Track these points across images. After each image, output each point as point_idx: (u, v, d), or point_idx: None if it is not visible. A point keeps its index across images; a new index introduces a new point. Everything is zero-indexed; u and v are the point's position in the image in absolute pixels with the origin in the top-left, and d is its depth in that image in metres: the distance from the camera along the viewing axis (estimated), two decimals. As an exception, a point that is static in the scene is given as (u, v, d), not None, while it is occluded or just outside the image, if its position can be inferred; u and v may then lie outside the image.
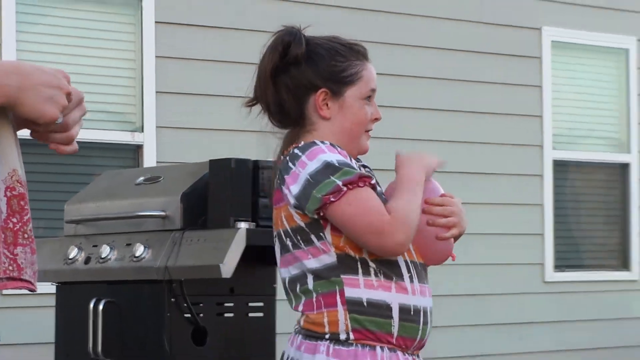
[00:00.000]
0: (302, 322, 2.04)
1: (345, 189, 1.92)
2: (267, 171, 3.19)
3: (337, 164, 1.94)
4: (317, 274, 1.99)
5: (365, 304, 1.99)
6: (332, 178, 1.92)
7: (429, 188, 2.05)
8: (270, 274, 3.39)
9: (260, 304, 3.37)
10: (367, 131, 2.07)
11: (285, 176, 1.93)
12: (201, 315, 3.21)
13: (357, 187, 1.94)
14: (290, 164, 1.95)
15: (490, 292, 5.70)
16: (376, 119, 2.06)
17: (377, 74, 2.09)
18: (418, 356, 2.10)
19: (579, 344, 6.11)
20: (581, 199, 6.28)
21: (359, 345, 2.01)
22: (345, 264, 1.98)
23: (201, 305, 3.25)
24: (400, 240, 1.93)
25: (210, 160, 3.20)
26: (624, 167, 6.17)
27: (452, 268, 4.12)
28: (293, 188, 1.93)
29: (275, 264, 3.34)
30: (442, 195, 2.08)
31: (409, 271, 2.03)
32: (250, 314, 3.43)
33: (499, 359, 5.83)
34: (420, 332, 2.05)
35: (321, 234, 1.96)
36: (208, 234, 3.05)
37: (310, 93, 2.01)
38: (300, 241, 1.97)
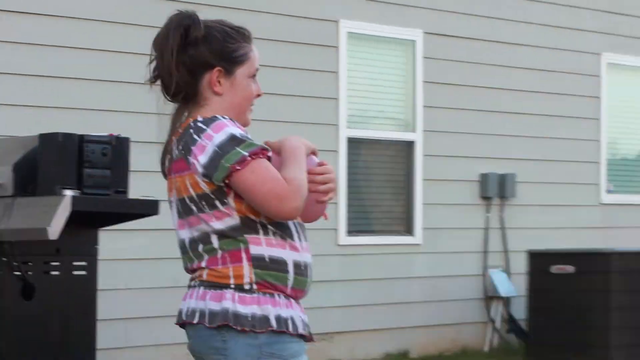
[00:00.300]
0: (205, 276, 2.12)
1: (249, 158, 2.02)
2: (93, 145, 3.42)
3: (240, 137, 2.04)
4: (222, 234, 2.08)
5: (267, 260, 2.12)
6: (237, 149, 2.01)
7: (309, 159, 2.19)
8: (93, 236, 3.60)
9: (84, 263, 3.58)
10: (251, 106, 2.19)
11: (192, 147, 2.00)
12: (30, 273, 3.38)
13: (259, 157, 2.05)
14: (195, 136, 2.01)
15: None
16: (258, 95, 2.17)
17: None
18: (300, 304, 2.20)
19: (367, 300, 6.69)
20: (371, 172, 6.73)
21: (260, 293, 2.12)
22: (248, 225, 2.08)
23: (30, 264, 3.43)
24: (297, 205, 2.05)
25: (40, 134, 3.37)
26: (410, 145, 6.78)
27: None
28: (201, 158, 2.00)
29: (98, 227, 3.76)
30: (321, 164, 2.20)
31: (297, 231, 2.16)
32: (75, 272, 3.59)
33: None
34: (307, 284, 2.19)
35: (225, 200, 2.04)
36: (37, 200, 3.19)
37: (206, 71, 2.10)
38: (205, 206, 2.04)
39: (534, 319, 6.99)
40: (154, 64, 2.14)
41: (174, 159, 2.08)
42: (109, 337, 4.75)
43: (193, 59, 2.10)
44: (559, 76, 7.68)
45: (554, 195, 7.64)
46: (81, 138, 3.43)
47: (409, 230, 6.98)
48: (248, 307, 2.17)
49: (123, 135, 3.75)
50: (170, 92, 2.10)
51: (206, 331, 2.22)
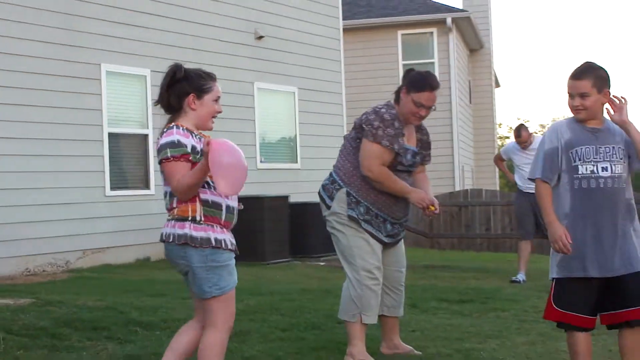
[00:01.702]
0: (175, 213, 3.27)
1: (170, 159, 3.18)
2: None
3: (176, 143, 3.17)
4: None
5: (210, 202, 3.26)
6: (167, 150, 3.17)
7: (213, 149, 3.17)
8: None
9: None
10: (213, 117, 3.31)
11: (159, 139, 3.18)
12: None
13: (177, 160, 3.22)
14: (160, 135, 3.20)
15: None
16: (219, 112, 3.31)
17: None
18: (229, 231, 3.39)
19: (125, 227, 10.26)
20: (122, 157, 10.60)
21: (206, 223, 3.30)
22: None
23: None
24: (179, 194, 3.26)
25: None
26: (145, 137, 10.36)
27: None
28: (158, 147, 3.24)
29: None
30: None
31: None
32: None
33: None
34: (233, 219, 3.32)
35: None
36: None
37: (187, 96, 3.28)
38: None
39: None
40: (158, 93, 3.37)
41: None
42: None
43: (179, 89, 3.29)
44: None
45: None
46: None
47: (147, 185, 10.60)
48: (199, 232, 3.34)
49: None
50: (164, 107, 3.31)
51: (175, 247, 3.38)
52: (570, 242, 4.09)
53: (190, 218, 3.44)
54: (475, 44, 22.10)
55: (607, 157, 4.28)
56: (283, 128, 14.07)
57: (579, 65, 4.39)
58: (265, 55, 13.06)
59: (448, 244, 15.01)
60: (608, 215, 4.17)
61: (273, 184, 12.78)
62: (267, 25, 13.29)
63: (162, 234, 3.55)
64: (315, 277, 9.93)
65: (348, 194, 4.84)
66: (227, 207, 3.55)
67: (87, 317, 6.71)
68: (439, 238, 15.41)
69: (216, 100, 3.50)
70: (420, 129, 5.25)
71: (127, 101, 11.07)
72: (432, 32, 18.78)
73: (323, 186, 5.06)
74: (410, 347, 5.26)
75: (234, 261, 3.63)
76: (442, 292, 8.36)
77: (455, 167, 18.86)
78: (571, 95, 4.25)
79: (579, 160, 4.26)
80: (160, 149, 3.36)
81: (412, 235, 14.90)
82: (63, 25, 10.15)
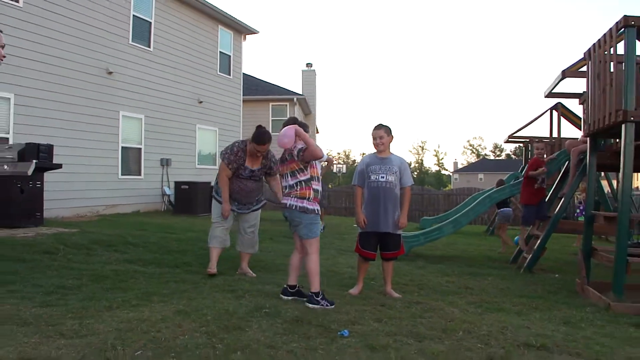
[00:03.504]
0: (298, 192, 4.74)
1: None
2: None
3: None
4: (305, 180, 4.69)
5: (314, 189, 4.85)
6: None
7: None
8: None
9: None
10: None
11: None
12: None
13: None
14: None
15: None
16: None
17: None
18: (318, 204, 4.84)
19: (82, 188, 12.98)
20: None
21: (313, 201, 4.88)
22: (312, 178, 4.70)
23: None
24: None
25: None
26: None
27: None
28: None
29: None
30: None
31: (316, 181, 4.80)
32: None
33: None
34: (319, 197, 4.73)
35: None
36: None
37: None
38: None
39: (179, 201, 15.51)
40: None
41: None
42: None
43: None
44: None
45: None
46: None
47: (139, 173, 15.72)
48: (310, 205, 4.87)
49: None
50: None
51: (297, 211, 4.87)
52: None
53: (307, 197, 4.83)
54: (307, 110, 31.85)
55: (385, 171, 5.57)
56: (210, 148, 18.83)
57: (376, 124, 5.55)
58: (202, 111, 18.39)
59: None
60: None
61: (204, 175, 17.65)
62: (204, 96, 18.40)
63: (286, 204, 4.83)
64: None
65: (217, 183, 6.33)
66: (315, 190, 4.93)
67: (106, 239, 8.16)
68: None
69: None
70: (266, 157, 6.14)
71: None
72: (286, 105, 27.25)
73: (216, 182, 6.23)
74: (250, 271, 6.57)
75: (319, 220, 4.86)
76: (285, 232, 11.19)
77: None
78: (374, 138, 5.53)
79: (371, 172, 5.65)
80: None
81: (271, 204, 20.57)
82: None
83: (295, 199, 4.90)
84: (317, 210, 5.01)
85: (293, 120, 5.23)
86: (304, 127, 5.27)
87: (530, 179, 9.40)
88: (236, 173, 5.91)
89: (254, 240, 6.40)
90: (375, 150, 5.58)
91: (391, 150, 5.58)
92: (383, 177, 5.34)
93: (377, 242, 5.65)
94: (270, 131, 23.88)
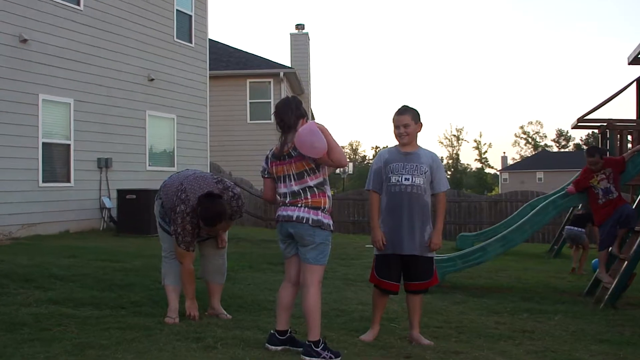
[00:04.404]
0: (310, 203, 4.91)
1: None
2: None
3: (267, 155, 5.26)
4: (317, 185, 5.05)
5: (329, 196, 5.13)
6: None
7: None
8: None
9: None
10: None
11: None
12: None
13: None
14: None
15: None
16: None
17: None
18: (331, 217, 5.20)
19: (52, 209, 14.76)
20: None
21: (327, 212, 5.10)
22: (325, 182, 5.13)
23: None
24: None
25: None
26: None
27: None
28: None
29: None
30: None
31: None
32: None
33: None
34: (331, 208, 5.02)
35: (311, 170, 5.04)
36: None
37: (300, 119, 5.06)
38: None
39: (124, 216, 15.44)
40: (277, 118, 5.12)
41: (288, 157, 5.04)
42: None
43: (296, 114, 5.09)
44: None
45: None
46: None
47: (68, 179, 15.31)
48: (326, 219, 4.93)
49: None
50: (284, 128, 5.12)
51: (309, 226, 4.87)
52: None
53: (321, 207, 5.05)
54: (298, 90, 31.63)
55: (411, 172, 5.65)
56: (166, 142, 18.79)
57: (398, 106, 5.65)
58: (154, 92, 18.54)
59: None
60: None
61: (158, 180, 15.22)
62: (156, 71, 18.47)
63: (291, 217, 5.01)
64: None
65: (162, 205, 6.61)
66: (329, 197, 5.20)
67: (21, 272, 8.09)
68: (271, 221, 21.04)
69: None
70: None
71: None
72: (270, 82, 27.35)
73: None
74: (223, 311, 6.59)
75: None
76: (270, 257, 11.19)
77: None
78: (397, 126, 5.57)
79: (391, 172, 5.70)
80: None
81: (251, 218, 21.24)
82: None
83: (306, 209, 4.86)
84: (332, 225, 5.02)
85: (296, 104, 5.24)
86: (302, 111, 5.31)
87: (592, 194, 9.51)
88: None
89: (225, 266, 6.46)
90: (397, 143, 5.57)
91: (419, 143, 5.57)
92: (408, 180, 5.34)
93: (399, 269, 5.61)
94: (249, 118, 27.19)
